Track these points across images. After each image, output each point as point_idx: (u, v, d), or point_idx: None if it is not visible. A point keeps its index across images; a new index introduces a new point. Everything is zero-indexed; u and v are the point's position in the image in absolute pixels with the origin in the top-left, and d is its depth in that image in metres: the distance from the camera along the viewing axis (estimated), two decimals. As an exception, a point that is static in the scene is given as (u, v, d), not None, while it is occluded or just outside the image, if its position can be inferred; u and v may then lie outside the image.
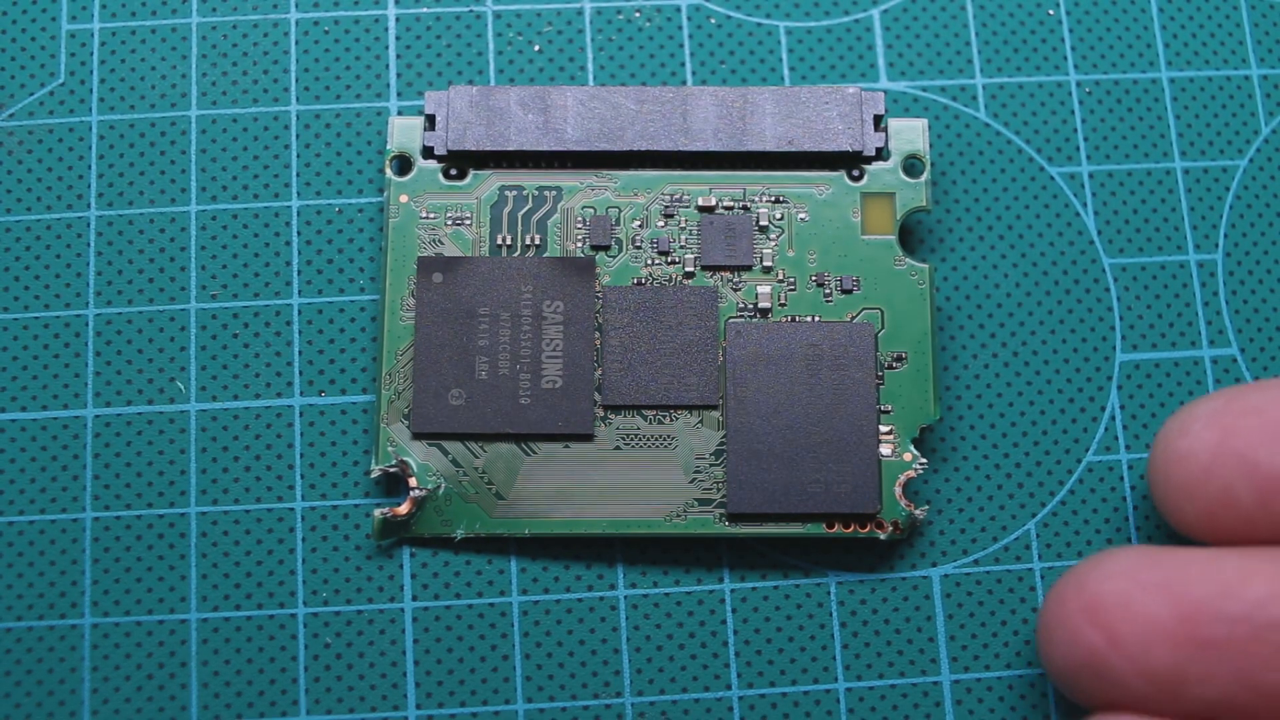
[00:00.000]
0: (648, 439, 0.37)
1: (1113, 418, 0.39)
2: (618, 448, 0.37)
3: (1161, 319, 0.39)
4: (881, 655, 0.38)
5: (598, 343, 0.38)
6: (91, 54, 0.40)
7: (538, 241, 0.38)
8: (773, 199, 0.38)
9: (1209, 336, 0.39)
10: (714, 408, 0.37)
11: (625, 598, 0.38)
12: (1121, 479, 0.39)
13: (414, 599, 0.37)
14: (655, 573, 0.38)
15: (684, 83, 0.40)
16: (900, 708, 0.37)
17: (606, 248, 0.38)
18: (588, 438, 0.37)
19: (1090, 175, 0.40)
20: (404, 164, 0.39)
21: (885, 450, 0.37)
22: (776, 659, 0.37)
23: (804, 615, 0.38)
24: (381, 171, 0.39)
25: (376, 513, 0.37)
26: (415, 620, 0.37)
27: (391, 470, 0.37)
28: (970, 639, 0.38)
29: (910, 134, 0.39)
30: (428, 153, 0.38)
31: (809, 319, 0.38)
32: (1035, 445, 0.39)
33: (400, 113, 0.40)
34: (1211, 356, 0.39)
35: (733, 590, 0.38)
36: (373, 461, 0.37)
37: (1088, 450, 0.39)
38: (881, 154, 0.39)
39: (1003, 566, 0.38)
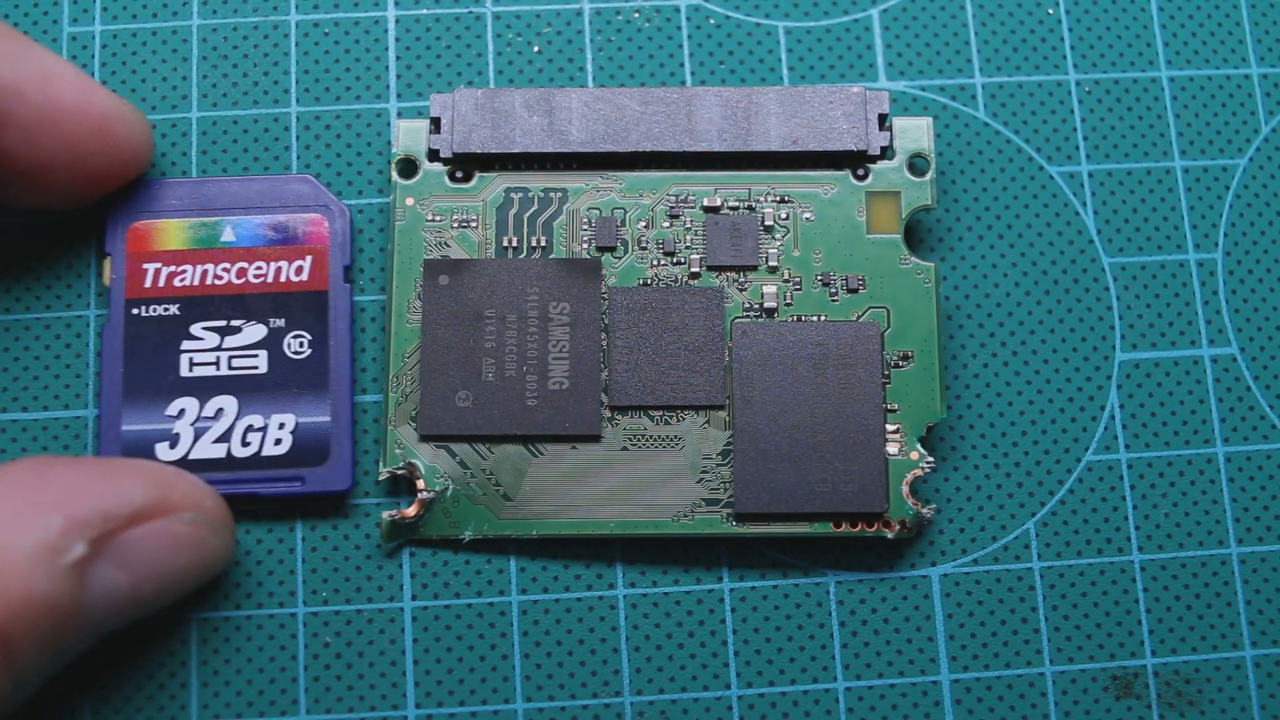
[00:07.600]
0: (655, 440, 0.37)
1: (1112, 417, 0.39)
2: (625, 449, 0.37)
3: (1161, 318, 0.40)
4: (881, 655, 0.38)
5: (604, 344, 0.38)
6: (93, 56, 0.40)
7: (543, 243, 0.38)
8: (778, 199, 0.38)
9: (1209, 336, 0.40)
10: (721, 408, 0.37)
11: (625, 597, 0.38)
12: (1121, 478, 0.39)
13: (414, 599, 0.37)
14: (655, 572, 0.38)
15: (683, 83, 0.40)
16: (900, 707, 0.37)
17: (612, 249, 0.38)
18: (595, 439, 0.37)
19: (1090, 174, 0.40)
20: (409, 167, 0.38)
21: (892, 449, 0.37)
22: (776, 658, 0.37)
23: (804, 615, 0.38)
24: (382, 173, 0.39)
25: (385, 515, 0.37)
26: (415, 620, 0.37)
27: (399, 472, 0.37)
28: (970, 639, 0.38)
29: (915, 133, 0.39)
30: (433, 155, 0.38)
31: (815, 318, 0.38)
32: (1035, 444, 0.39)
33: (401, 114, 0.40)
34: (1211, 356, 0.39)
35: (732, 590, 0.38)
36: (380, 464, 0.37)
37: (1088, 450, 0.39)
38: (886, 153, 0.39)
39: (1002, 566, 0.38)
